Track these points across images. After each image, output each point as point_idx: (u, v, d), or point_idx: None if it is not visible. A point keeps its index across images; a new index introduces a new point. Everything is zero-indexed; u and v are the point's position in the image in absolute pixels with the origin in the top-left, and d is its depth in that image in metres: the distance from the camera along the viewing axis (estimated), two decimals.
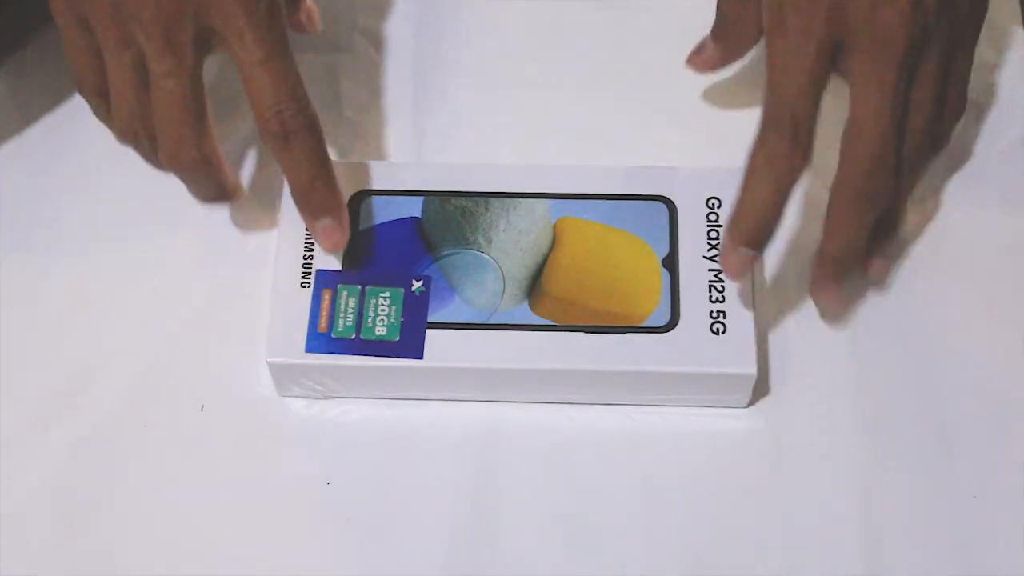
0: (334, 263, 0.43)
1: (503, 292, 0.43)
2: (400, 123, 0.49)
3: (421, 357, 0.42)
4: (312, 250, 0.43)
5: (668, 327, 0.42)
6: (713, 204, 0.44)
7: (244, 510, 0.43)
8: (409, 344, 0.42)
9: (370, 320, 0.42)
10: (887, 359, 0.45)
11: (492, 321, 0.42)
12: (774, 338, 0.45)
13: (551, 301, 0.43)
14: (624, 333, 0.42)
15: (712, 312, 0.42)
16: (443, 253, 0.43)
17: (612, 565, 0.42)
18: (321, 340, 0.42)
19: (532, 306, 0.43)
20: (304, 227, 0.43)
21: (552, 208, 0.44)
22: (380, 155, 0.48)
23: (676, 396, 0.43)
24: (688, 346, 0.42)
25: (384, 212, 0.44)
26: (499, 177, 0.45)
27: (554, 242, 0.44)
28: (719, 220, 0.44)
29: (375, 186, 0.44)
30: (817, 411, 0.44)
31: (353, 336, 0.42)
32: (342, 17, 0.50)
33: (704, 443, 0.44)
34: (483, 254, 0.43)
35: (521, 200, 0.44)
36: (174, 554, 0.42)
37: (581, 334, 0.42)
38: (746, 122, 0.42)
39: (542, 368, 0.42)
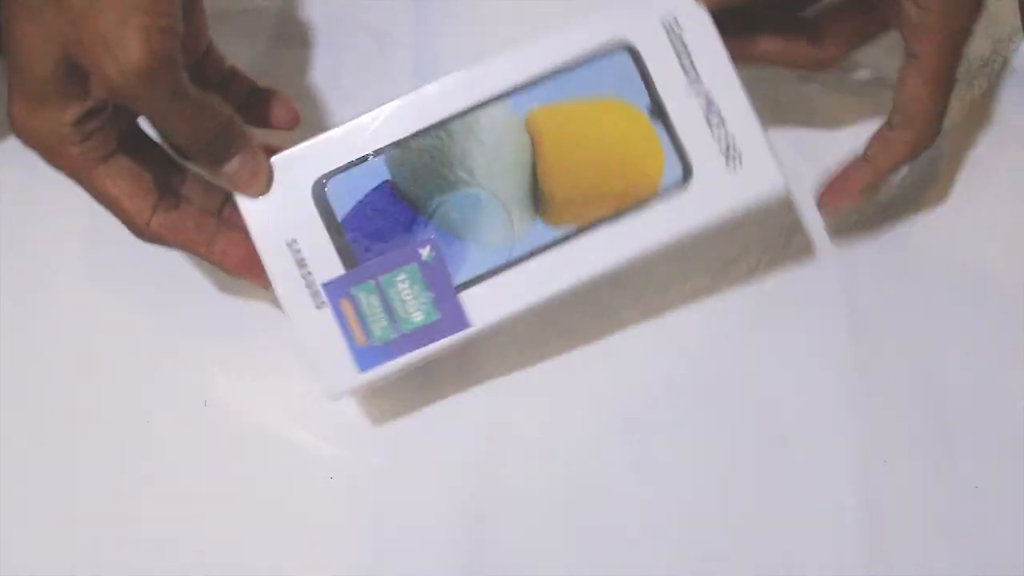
0: (334, 270, 0.40)
1: (511, 219, 0.40)
2: None
3: (469, 325, 0.39)
4: (306, 266, 0.40)
5: (685, 179, 0.40)
6: (672, 28, 0.40)
7: (246, 506, 0.44)
8: (451, 318, 0.40)
9: (402, 310, 0.40)
10: (888, 351, 0.45)
11: (517, 255, 0.40)
12: (774, 335, 0.45)
13: (560, 206, 0.40)
14: (647, 206, 0.40)
15: (720, 145, 0.40)
16: (432, 207, 0.40)
17: (613, 556, 0.43)
18: (369, 355, 0.40)
19: (545, 220, 0.40)
20: (284, 241, 0.39)
21: (514, 106, 0.40)
22: None
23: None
24: (712, 189, 0.39)
25: (352, 190, 0.40)
26: (446, 94, 0.40)
27: (533, 143, 0.40)
28: (686, 43, 0.40)
29: (328, 166, 0.40)
30: (817, 404, 0.45)
31: (395, 336, 0.40)
32: (343, 13, 0.49)
33: (706, 440, 0.45)
34: (472, 190, 0.40)
35: (480, 111, 0.40)
36: (176, 550, 0.43)
37: (607, 226, 0.40)
38: None
39: (590, 277, 0.40)
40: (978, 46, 0.49)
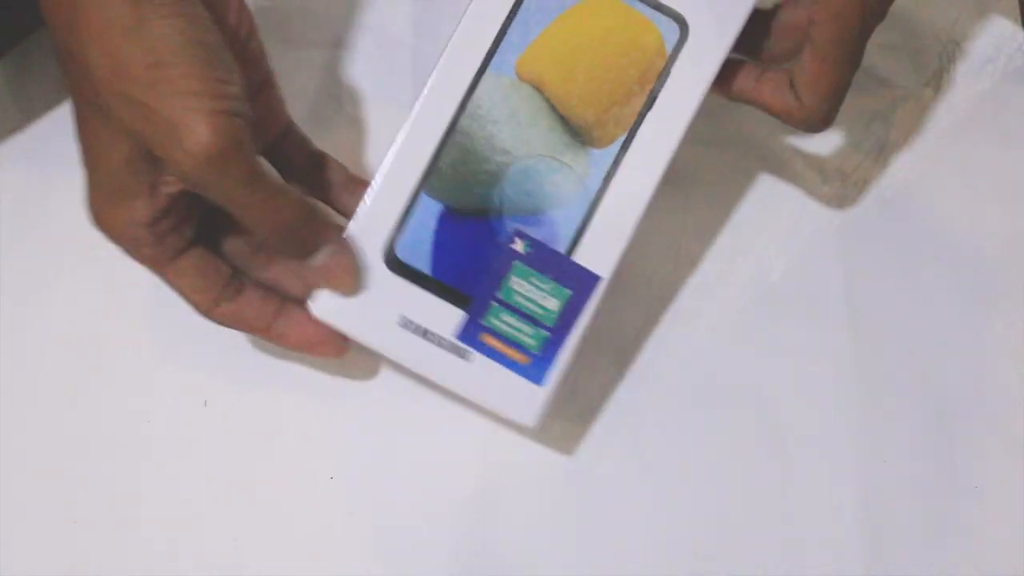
0: (455, 318, 0.39)
1: (568, 166, 0.40)
2: (400, 119, 0.48)
3: (601, 278, 0.39)
4: (429, 332, 0.39)
5: (685, 32, 0.40)
6: None
7: (246, 506, 0.43)
8: (581, 283, 0.39)
9: (536, 308, 0.39)
10: (888, 351, 0.45)
11: (595, 192, 0.40)
12: (774, 334, 0.45)
13: (599, 125, 0.40)
14: (669, 73, 0.40)
15: None
16: (497, 203, 0.40)
17: (613, 556, 0.43)
18: (537, 366, 0.39)
19: (596, 146, 0.40)
20: (396, 325, 0.39)
21: (498, 70, 0.40)
22: (382, 149, 0.48)
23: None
24: (712, 20, 0.39)
25: (420, 240, 0.39)
26: (436, 103, 0.39)
27: (538, 88, 0.40)
28: None
29: (384, 233, 0.39)
30: (818, 404, 0.45)
31: (547, 334, 0.39)
32: (343, 13, 0.49)
33: (706, 440, 0.44)
34: (517, 165, 0.40)
35: (475, 95, 0.39)
36: (176, 549, 0.43)
37: (649, 114, 0.40)
38: None
39: (668, 161, 0.39)
40: (979, 45, 0.49)
